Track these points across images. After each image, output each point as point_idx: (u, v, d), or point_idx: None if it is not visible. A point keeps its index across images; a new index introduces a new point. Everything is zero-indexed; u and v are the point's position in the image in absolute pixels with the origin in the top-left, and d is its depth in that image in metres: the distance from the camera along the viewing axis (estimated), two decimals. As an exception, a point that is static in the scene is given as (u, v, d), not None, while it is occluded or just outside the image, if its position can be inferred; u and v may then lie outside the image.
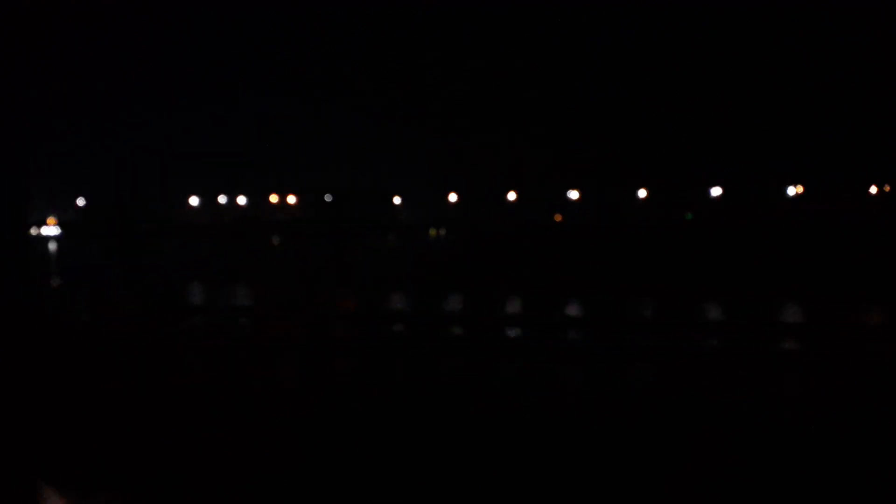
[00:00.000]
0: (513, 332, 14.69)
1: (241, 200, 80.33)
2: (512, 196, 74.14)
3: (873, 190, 67.21)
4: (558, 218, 72.03)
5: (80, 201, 77.13)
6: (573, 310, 19.23)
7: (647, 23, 68.63)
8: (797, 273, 29.42)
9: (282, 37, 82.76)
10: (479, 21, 73.59)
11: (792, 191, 71.35)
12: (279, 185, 78.86)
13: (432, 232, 71.40)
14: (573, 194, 72.55)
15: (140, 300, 20.89)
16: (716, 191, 71.74)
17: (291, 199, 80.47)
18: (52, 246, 60.13)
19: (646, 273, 30.42)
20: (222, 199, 78.77)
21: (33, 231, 70.86)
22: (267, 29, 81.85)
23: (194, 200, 78.91)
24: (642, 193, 73.07)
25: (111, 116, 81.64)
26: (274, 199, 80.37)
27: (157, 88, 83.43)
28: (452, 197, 75.75)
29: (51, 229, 74.29)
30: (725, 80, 65.73)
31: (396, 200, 77.04)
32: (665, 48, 66.23)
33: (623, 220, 67.80)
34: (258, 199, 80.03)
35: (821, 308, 19.51)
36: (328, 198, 77.34)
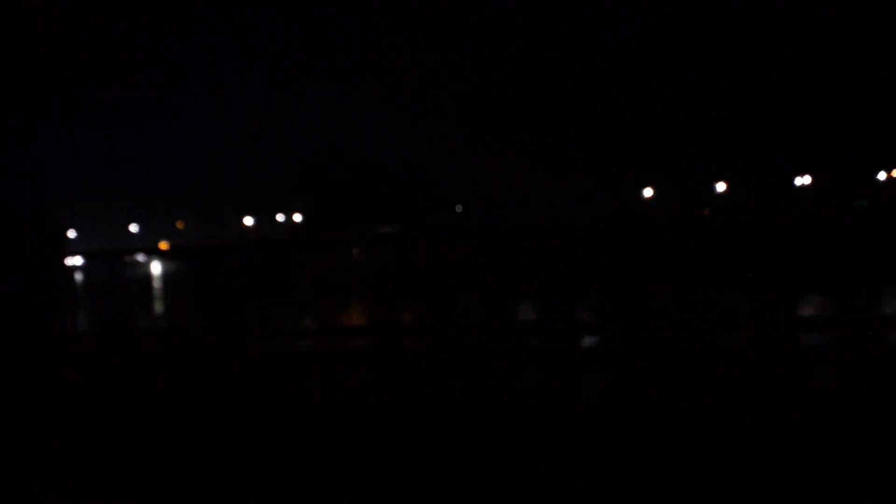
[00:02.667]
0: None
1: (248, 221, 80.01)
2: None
3: None
4: (706, 212, 68.90)
5: (134, 227, 77.15)
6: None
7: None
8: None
9: (296, 39, 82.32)
10: (519, 20, 73.41)
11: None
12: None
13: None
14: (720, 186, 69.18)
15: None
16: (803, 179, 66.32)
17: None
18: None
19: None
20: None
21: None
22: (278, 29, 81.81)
23: (249, 221, 77.63)
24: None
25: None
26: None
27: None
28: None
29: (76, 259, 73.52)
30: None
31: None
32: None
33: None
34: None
35: None
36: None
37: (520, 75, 70.42)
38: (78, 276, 56.14)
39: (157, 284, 42.71)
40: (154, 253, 73.93)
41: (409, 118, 73.30)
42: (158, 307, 27.85)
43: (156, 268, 61.62)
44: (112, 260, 70.50)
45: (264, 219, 77.80)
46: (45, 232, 52.88)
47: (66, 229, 65.70)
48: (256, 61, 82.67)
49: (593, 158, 67.28)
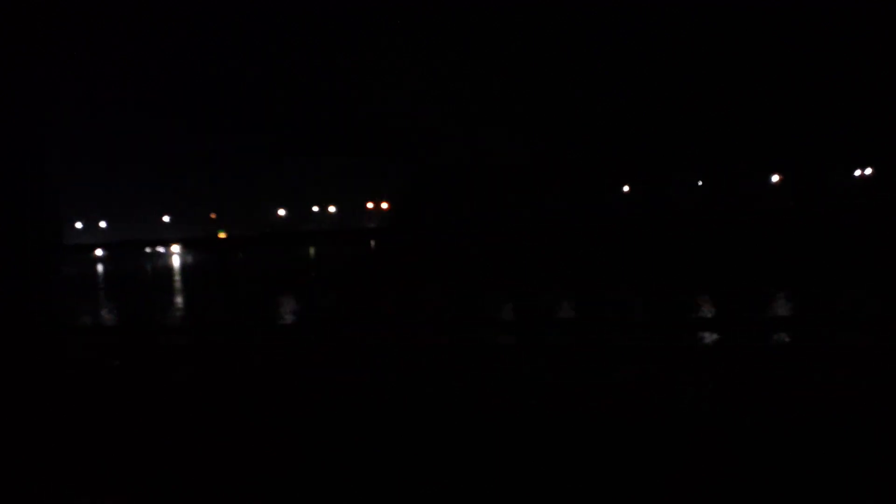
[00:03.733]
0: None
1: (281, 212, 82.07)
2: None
3: None
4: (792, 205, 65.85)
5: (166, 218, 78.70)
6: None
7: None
8: None
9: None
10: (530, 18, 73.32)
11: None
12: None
13: None
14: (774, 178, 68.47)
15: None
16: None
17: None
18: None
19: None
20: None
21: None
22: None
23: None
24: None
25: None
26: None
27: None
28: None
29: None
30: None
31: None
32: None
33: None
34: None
35: None
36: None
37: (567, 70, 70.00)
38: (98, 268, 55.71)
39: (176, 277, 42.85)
40: (190, 244, 73.82)
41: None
42: (165, 302, 27.28)
43: (175, 259, 62.12)
44: (134, 251, 71.18)
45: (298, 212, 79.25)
46: (43, 226, 54.00)
47: (67, 221, 67.05)
48: (256, 61, 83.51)
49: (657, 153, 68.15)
